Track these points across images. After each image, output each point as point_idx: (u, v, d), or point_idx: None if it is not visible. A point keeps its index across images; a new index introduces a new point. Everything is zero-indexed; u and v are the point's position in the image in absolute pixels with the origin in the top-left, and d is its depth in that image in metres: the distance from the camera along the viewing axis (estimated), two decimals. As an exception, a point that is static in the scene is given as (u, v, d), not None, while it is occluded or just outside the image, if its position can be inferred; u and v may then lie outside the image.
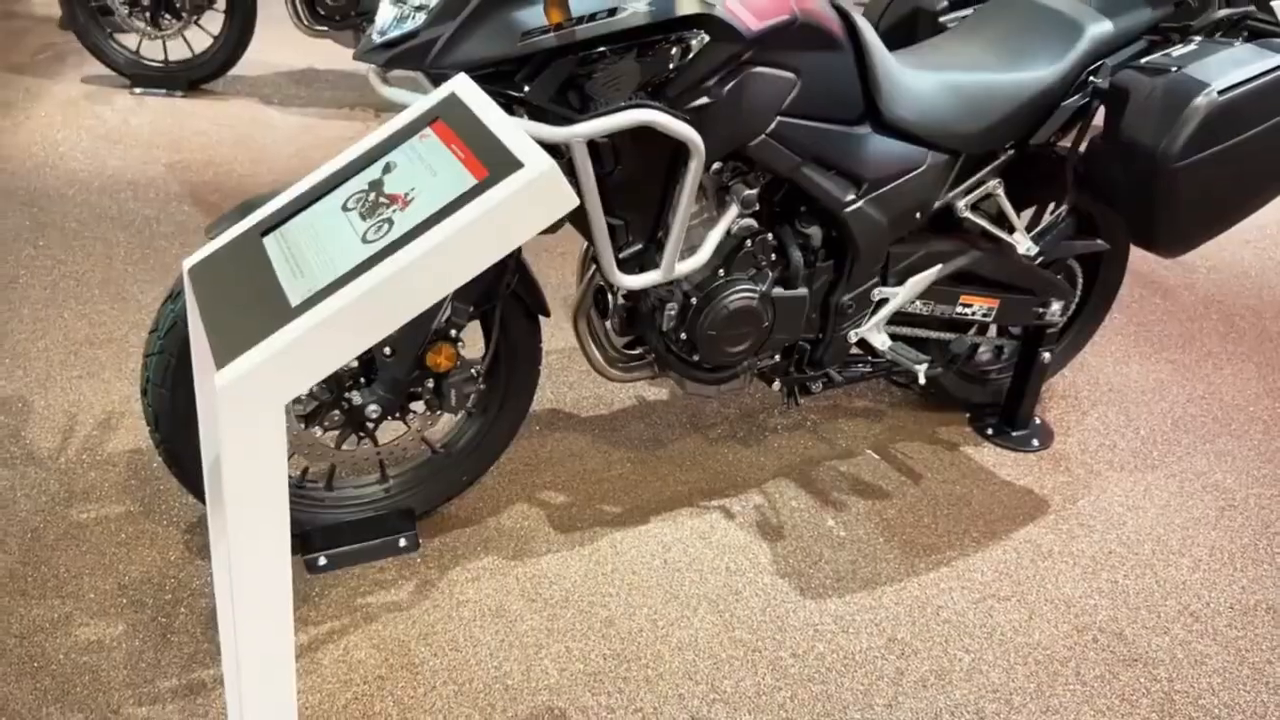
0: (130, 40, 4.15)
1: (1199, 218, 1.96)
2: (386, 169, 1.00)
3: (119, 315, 2.67)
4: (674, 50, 1.59)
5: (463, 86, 1.08)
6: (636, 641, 1.84)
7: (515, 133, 0.93)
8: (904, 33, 2.36)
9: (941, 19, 2.30)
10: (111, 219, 3.16)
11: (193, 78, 4.17)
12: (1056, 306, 2.32)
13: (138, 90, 4.13)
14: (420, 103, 1.09)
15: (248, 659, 0.98)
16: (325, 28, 4.00)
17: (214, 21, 4.13)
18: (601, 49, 1.57)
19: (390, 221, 0.94)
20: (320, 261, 0.94)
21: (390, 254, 0.90)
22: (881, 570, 2.05)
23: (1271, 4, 4.70)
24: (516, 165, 0.90)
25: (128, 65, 4.11)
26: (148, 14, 3.96)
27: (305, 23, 4.02)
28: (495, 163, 0.91)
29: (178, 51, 4.18)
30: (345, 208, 0.99)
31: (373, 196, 0.98)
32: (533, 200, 0.89)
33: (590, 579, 1.97)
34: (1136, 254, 3.58)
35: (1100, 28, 2.05)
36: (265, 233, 1.02)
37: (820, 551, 2.09)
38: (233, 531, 0.91)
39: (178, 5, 3.98)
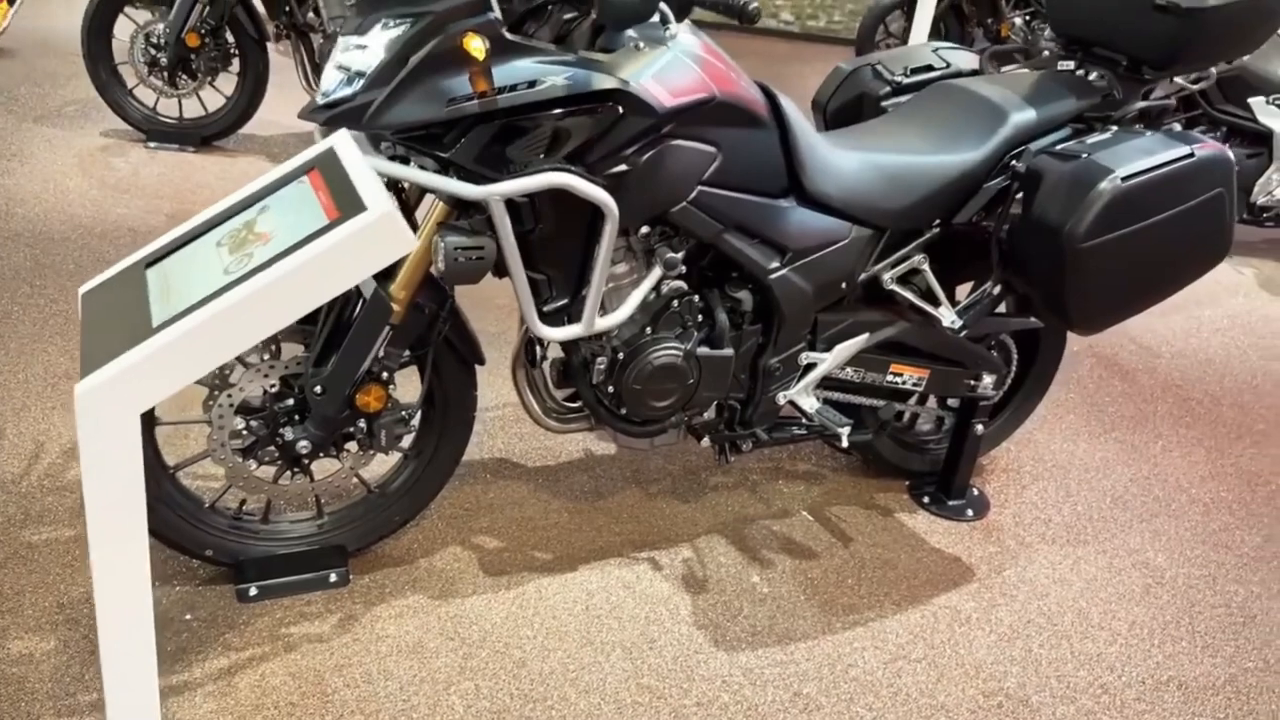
0: (149, 97, 4.38)
1: (1107, 298, 2.04)
2: (262, 210, 1.12)
3: (99, 352, 2.80)
4: (590, 121, 1.71)
5: (341, 142, 1.20)
6: (546, 683, 1.90)
7: (371, 182, 1.04)
8: (850, 114, 2.48)
9: (884, 103, 2.43)
10: (107, 263, 3.32)
11: (205, 134, 4.37)
12: (988, 380, 2.39)
13: (152, 144, 4.34)
14: (302, 154, 1.21)
15: (108, 655, 1.06)
16: (331, 92, 4.20)
17: (228, 83, 4.34)
18: (523, 116, 1.70)
19: (251, 256, 1.05)
20: (186, 290, 1.05)
21: (239, 284, 1.01)
22: (797, 627, 2.10)
23: (1249, 100, 4.80)
24: (363, 209, 1.00)
25: (144, 121, 4.33)
26: (165, 73, 4.18)
27: (315, 87, 4.23)
28: (346, 206, 1.02)
29: (192, 109, 4.40)
30: (219, 243, 1.11)
31: (244, 234, 1.09)
32: (371, 240, 1.00)
33: (510, 621, 2.03)
34: (1099, 333, 3.65)
35: (1023, 115, 2.16)
36: (150, 264, 1.13)
37: (740, 606, 2.14)
38: (91, 536, 1.00)
39: (194, 66, 4.21)
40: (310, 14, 4.17)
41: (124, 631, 1.07)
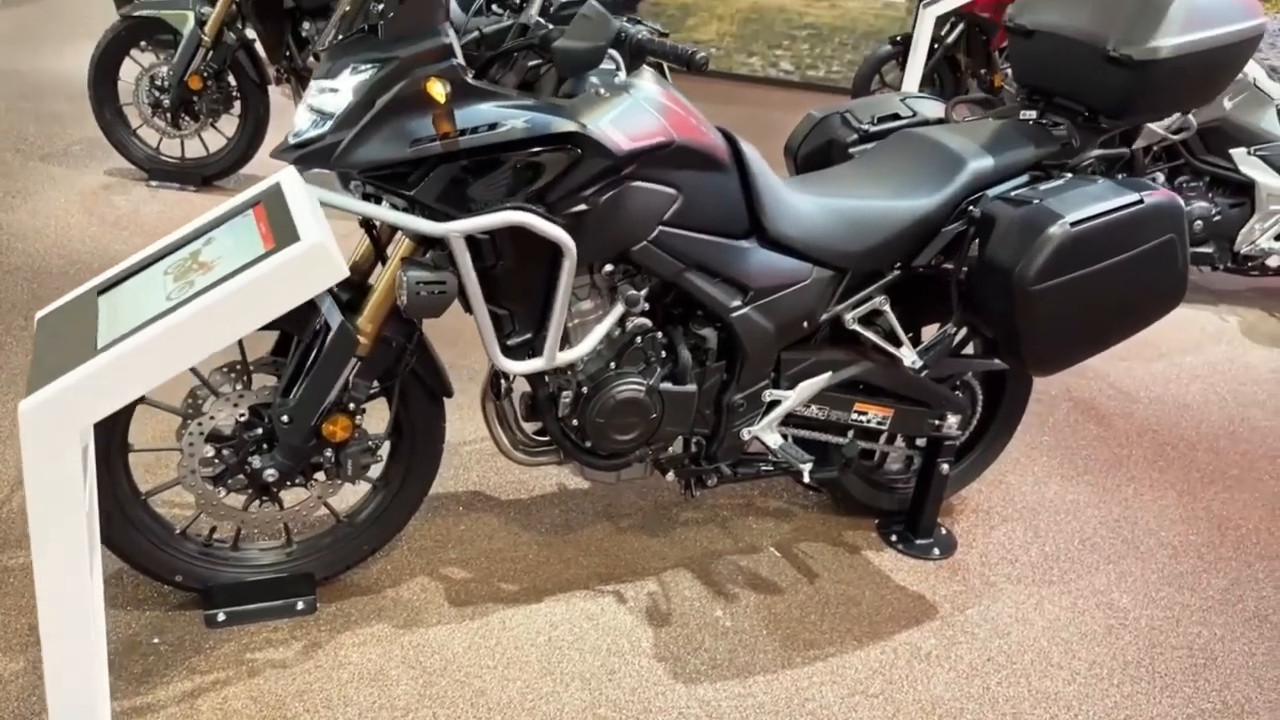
0: (152, 138, 4.50)
1: (1059, 340, 2.09)
2: (208, 241, 1.18)
3: (88, 383, 2.86)
4: (550, 162, 1.78)
5: (287, 178, 1.26)
6: (504, 712, 1.92)
7: (309, 215, 1.11)
8: (820, 160, 2.55)
9: (851, 150, 2.50)
10: (102, 297, 3.40)
11: (206, 174, 4.48)
12: (953, 420, 2.43)
13: (154, 184, 4.45)
14: (250, 189, 1.27)
15: (52, 674, 1.10)
16: (329, 134, 4.30)
17: (229, 124, 4.46)
18: (484, 157, 1.77)
19: (192, 283, 1.11)
20: (132, 315, 1.11)
21: (176, 309, 1.07)
22: (757, 660, 2.12)
23: (1230, 151, 4.87)
24: (297, 239, 1.07)
25: (147, 160, 4.44)
26: (168, 115, 4.30)
27: (312, 129, 4.33)
28: (283, 237, 1.08)
29: (194, 150, 4.51)
30: (166, 271, 1.17)
31: (189, 263, 1.16)
32: (303, 268, 1.06)
33: (472, 651, 2.06)
34: (1078, 378, 3.69)
35: (981, 163, 2.23)
36: (103, 291, 1.20)
37: (702, 639, 2.17)
38: (35, 552, 1.05)
39: (196, 108, 4.32)
40: (310, 59, 4.29)
41: (67, 642, 1.11)
